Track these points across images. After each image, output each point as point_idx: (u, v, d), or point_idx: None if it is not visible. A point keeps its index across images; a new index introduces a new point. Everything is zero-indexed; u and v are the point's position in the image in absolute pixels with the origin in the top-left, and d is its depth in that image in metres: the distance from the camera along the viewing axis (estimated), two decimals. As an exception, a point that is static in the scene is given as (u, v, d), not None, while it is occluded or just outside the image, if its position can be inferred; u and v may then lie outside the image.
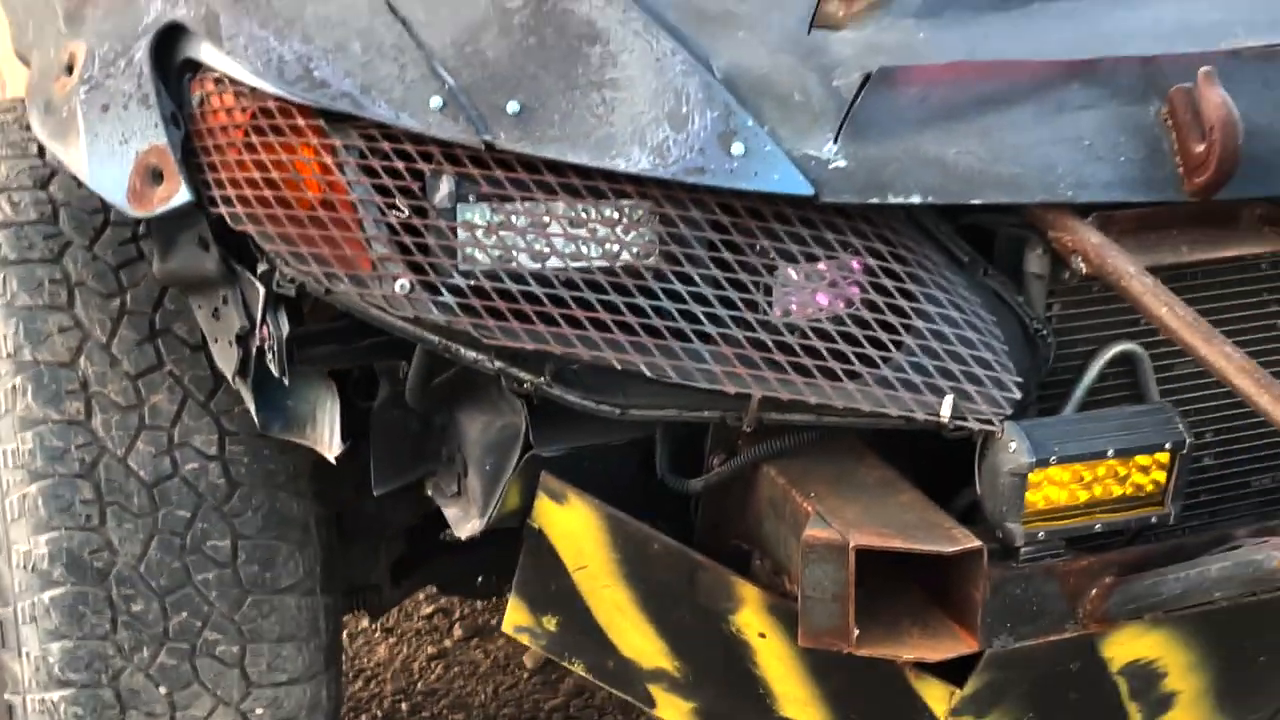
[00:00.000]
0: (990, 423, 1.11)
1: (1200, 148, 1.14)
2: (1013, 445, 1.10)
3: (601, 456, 1.28)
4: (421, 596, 2.33)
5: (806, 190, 1.12)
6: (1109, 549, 1.20)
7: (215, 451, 1.43)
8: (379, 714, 2.14)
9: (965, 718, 1.24)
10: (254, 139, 1.20)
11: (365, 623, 2.27)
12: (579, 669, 1.44)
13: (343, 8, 1.24)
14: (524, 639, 1.43)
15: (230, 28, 1.24)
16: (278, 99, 1.19)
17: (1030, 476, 1.10)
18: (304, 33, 1.21)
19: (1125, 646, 1.23)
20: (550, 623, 1.40)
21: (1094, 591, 1.16)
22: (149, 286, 1.44)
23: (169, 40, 1.26)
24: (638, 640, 1.35)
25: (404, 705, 2.14)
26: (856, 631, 1.10)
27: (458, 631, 2.31)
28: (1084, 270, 1.15)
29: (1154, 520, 1.17)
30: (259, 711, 1.46)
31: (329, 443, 1.31)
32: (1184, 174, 1.18)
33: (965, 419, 1.11)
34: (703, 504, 1.33)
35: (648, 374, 1.11)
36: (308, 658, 1.49)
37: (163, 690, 1.41)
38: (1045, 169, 1.17)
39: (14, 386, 1.39)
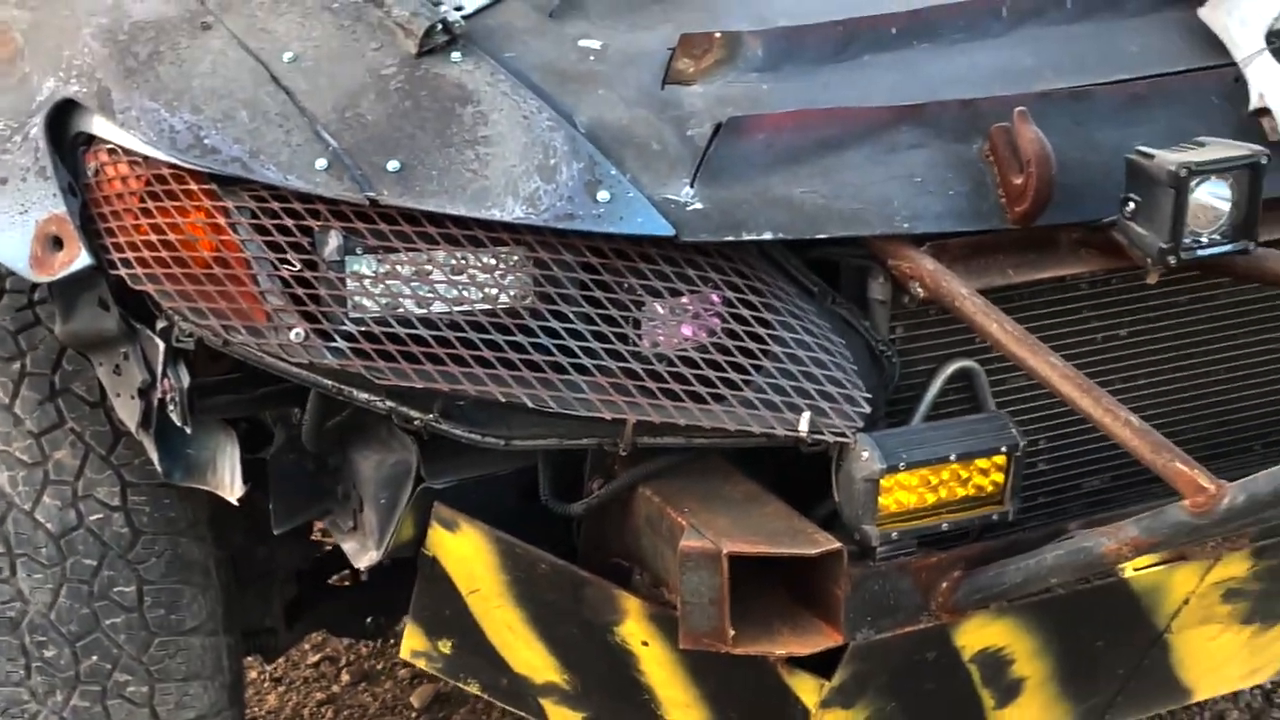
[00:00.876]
0: (844, 435, 1.18)
1: (1019, 180, 1.23)
2: (865, 454, 1.17)
3: (488, 486, 1.31)
4: (307, 645, 2.34)
5: (668, 231, 1.18)
6: (956, 546, 1.26)
7: (118, 502, 1.45)
8: None
9: (834, 709, 1.29)
10: (150, 204, 1.23)
11: (254, 674, 2.28)
12: (474, 688, 1.47)
13: (228, 80, 1.28)
14: (421, 663, 1.46)
15: (122, 101, 1.27)
16: (171, 166, 1.22)
17: (882, 482, 1.17)
18: (193, 104, 1.25)
19: (975, 635, 1.30)
20: (445, 646, 1.42)
21: (944, 585, 1.22)
22: (48, 349, 1.45)
23: (62, 115, 1.30)
24: (529, 656, 1.38)
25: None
26: (733, 632, 1.16)
27: (345, 677, 2.34)
28: (921, 294, 1.23)
29: (995, 518, 1.24)
30: None
31: (230, 486, 1.33)
32: (1006, 204, 1.26)
33: (821, 433, 1.18)
34: (584, 526, 1.36)
35: (530, 405, 1.15)
36: (214, 695, 1.52)
37: None
38: (882, 204, 1.24)
39: None
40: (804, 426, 1.18)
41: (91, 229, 1.26)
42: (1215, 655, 1.56)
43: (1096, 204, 1.30)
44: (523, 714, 1.48)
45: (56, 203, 1.26)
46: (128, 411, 1.31)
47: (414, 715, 2.24)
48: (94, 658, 1.43)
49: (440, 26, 1.26)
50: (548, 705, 1.43)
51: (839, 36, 1.37)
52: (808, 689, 1.26)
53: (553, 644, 1.37)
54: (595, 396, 1.17)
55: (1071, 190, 1.29)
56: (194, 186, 1.22)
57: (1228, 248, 1.25)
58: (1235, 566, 1.39)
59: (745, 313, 1.22)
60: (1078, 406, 1.16)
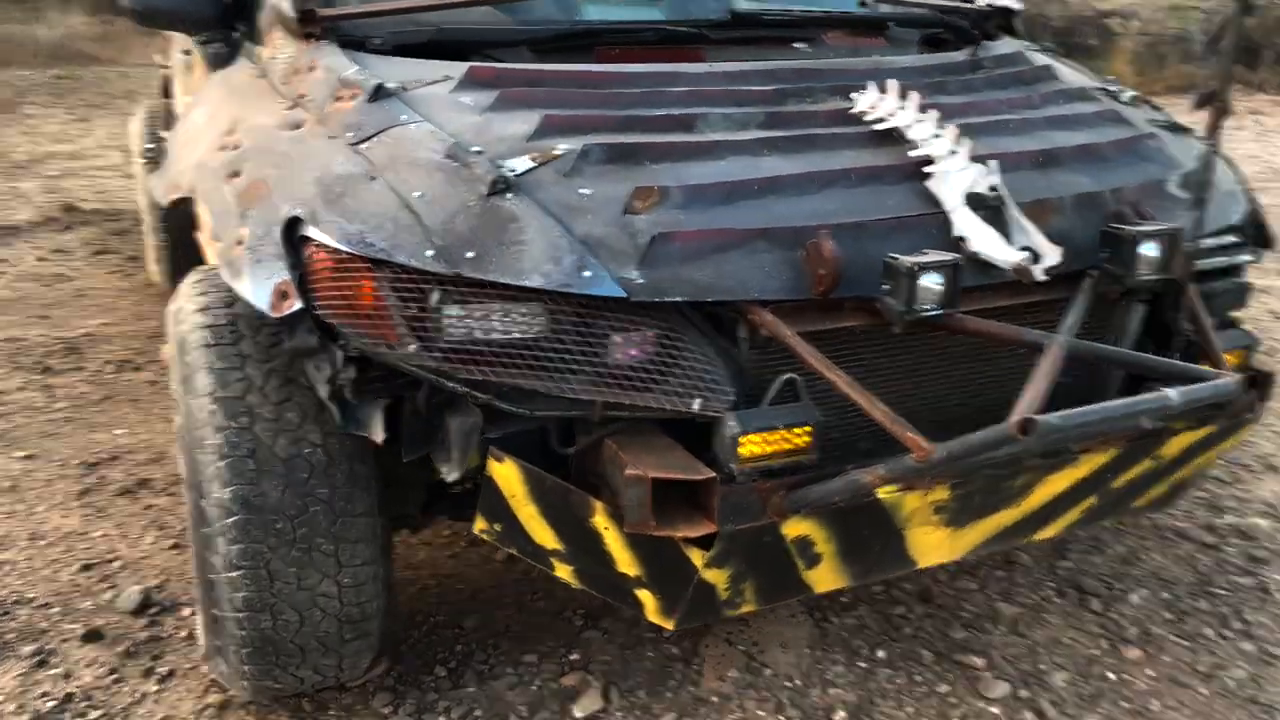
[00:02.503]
0: (718, 413, 1.99)
1: (822, 271, 2.02)
2: (730, 423, 1.97)
3: (522, 437, 2.09)
4: (446, 531, 3.35)
5: (622, 294, 1.95)
6: (782, 477, 2.03)
7: (320, 442, 2.17)
8: (429, 583, 3.12)
9: (712, 568, 2.07)
10: (335, 274, 1.99)
11: (409, 544, 3.28)
12: (513, 550, 2.25)
13: (382, 206, 2.03)
14: (486, 537, 2.24)
15: (323, 217, 2.04)
16: (348, 253, 1.99)
17: (740, 438, 1.96)
18: (361, 219, 2.01)
19: (793, 528, 2.07)
20: (498, 527, 2.20)
21: (775, 498, 2.01)
22: (284, 358, 2.15)
23: (292, 226, 2.05)
24: (544, 534, 2.16)
25: (434, 584, 3.13)
26: (654, 522, 1.95)
27: (462, 542, 3.33)
28: (764, 333, 2.02)
29: (805, 461, 2.03)
30: (345, 580, 2.27)
31: (377, 433, 2.08)
32: (815, 286, 2.03)
33: (707, 412, 1.99)
34: (575, 462, 2.14)
35: (541, 390, 1.94)
36: (372, 550, 2.28)
37: (293, 569, 2.21)
38: (744, 282, 2.02)
39: (210, 410, 2.17)
40: (696, 407, 1.99)
41: (304, 289, 1.98)
42: (930, 543, 2.33)
43: (867, 286, 2.07)
44: (542, 568, 2.26)
45: (285, 273, 2.01)
46: (324, 391, 2.05)
47: (501, 562, 3.21)
48: (304, 529, 2.17)
49: (501, 180, 2.05)
50: (555, 561, 2.23)
51: (727, 190, 2.15)
52: (697, 556, 2.05)
53: (556, 528, 2.15)
54: (576, 385, 1.96)
55: (853, 279, 2.06)
56: (359, 265, 1.98)
57: (940, 311, 2.05)
58: (941, 493, 2.15)
59: (668, 342, 2.02)
60: (849, 396, 1.94)
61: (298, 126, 2.40)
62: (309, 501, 2.20)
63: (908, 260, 2.00)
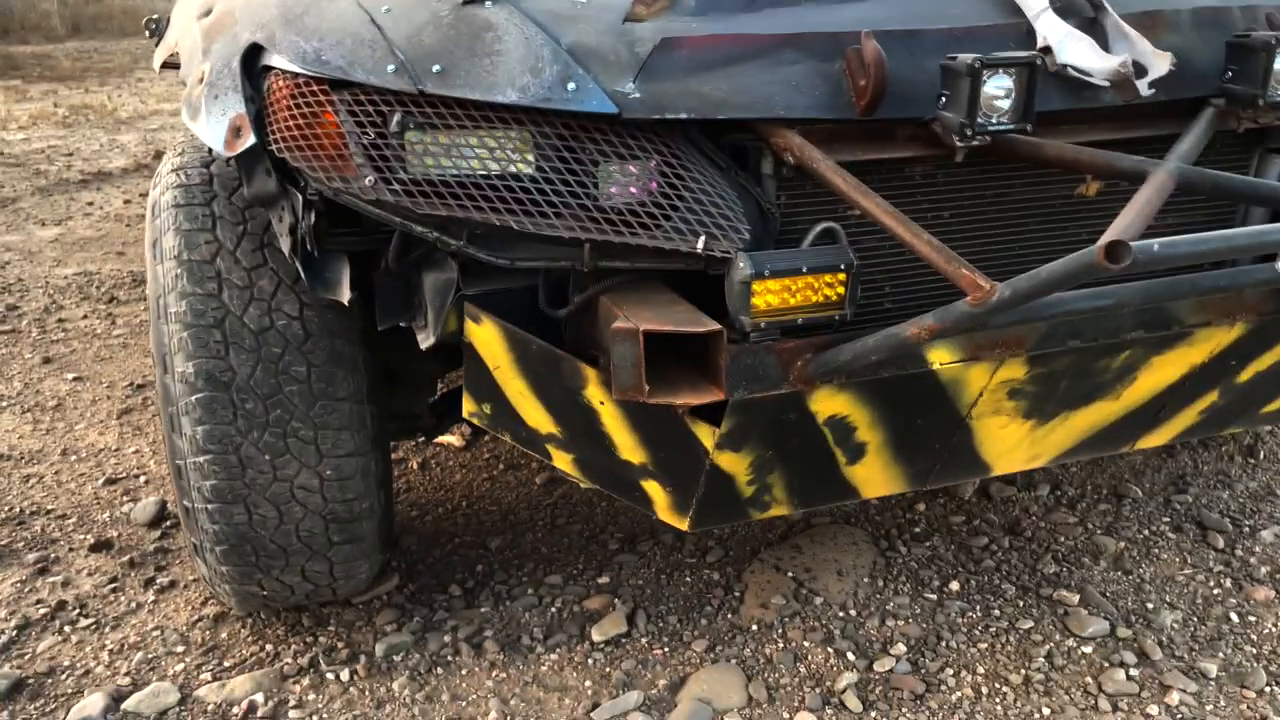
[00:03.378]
0: (728, 252, 1.62)
1: (863, 81, 1.65)
2: (741, 265, 1.59)
3: (506, 295, 1.77)
4: (486, 453, 3.10)
5: (613, 110, 1.61)
6: (812, 335, 1.66)
7: (297, 314, 1.94)
8: (460, 504, 2.85)
9: (726, 451, 1.72)
10: (291, 104, 1.69)
11: (450, 462, 3.04)
12: (507, 437, 1.93)
13: (344, 22, 1.74)
14: (475, 420, 1.92)
15: (281, 39, 1.75)
16: (303, 76, 1.69)
17: (753, 285, 1.58)
18: (319, 37, 1.73)
19: (824, 403, 1.71)
20: (487, 408, 1.88)
21: (799, 363, 1.64)
22: (259, 221, 1.94)
23: (253, 54, 1.79)
24: (536, 415, 1.84)
25: (464, 505, 2.86)
26: (647, 387, 1.59)
27: (500, 465, 3.07)
28: (791, 162, 1.65)
29: (837, 318, 1.64)
30: (328, 473, 2.01)
31: (344, 294, 1.80)
32: (855, 101, 1.67)
33: (713, 250, 1.62)
34: (567, 325, 1.80)
35: (515, 228, 1.60)
36: (359, 440, 2.02)
37: (267, 457, 1.96)
38: (766, 98, 1.65)
39: (175, 274, 1.95)
40: (700, 245, 1.63)
41: (260, 123, 1.71)
42: (1006, 440, 1.93)
43: (922, 106, 1.69)
44: (539, 457, 1.93)
45: (240, 106, 1.73)
46: (286, 245, 1.79)
47: (541, 486, 2.93)
48: (278, 411, 1.93)
49: None
50: (551, 449, 1.90)
51: None
52: (705, 434, 1.71)
53: (549, 406, 1.81)
54: (560, 224, 1.62)
55: (903, 97, 1.68)
56: (316, 89, 1.68)
57: (1010, 127, 1.65)
58: (1015, 370, 1.76)
59: (669, 172, 1.67)
60: (894, 232, 1.56)
61: None
62: (283, 380, 1.97)
63: (968, 58, 1.61)
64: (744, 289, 1.61)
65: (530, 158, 1.66)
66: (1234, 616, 2.36)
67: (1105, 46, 1.79)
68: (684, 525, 1.91)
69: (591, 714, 2.10)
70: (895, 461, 1.93)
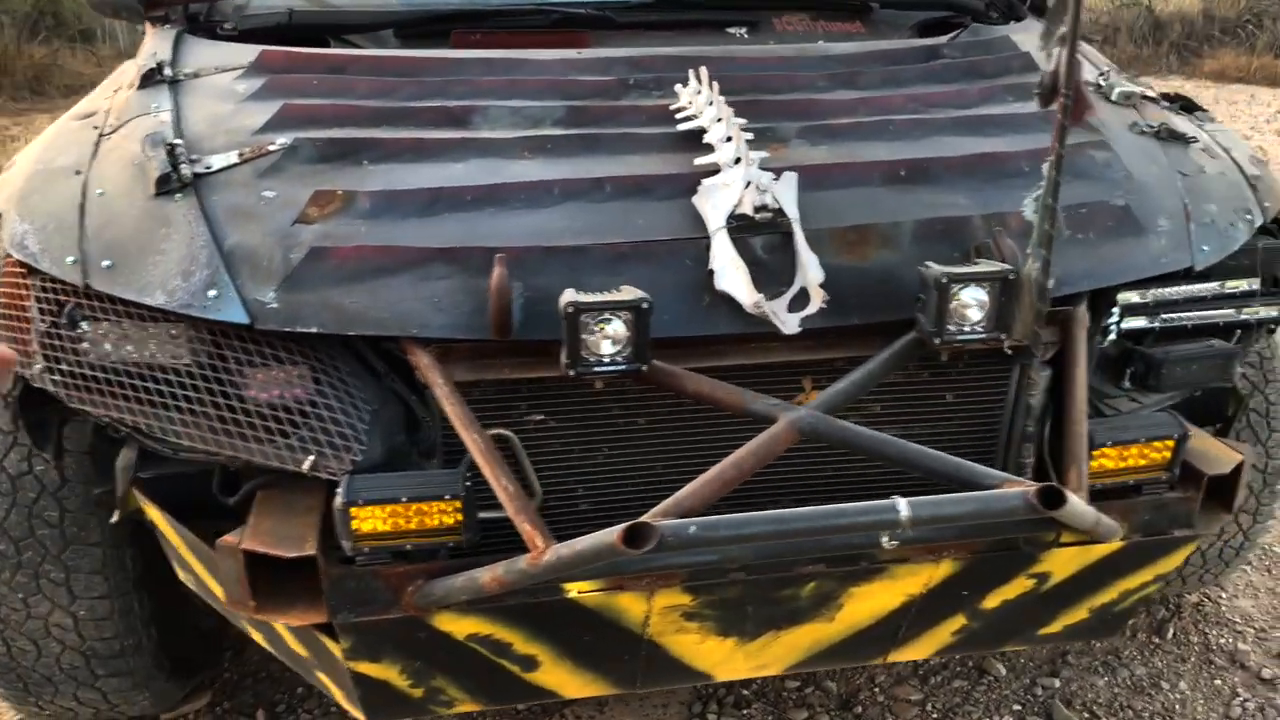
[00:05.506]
0: (334, 474, 1.61)
1: (492, 305, 1.59)
2: (339, 490, 1.58)
3: (181, 480, 1.77)
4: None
5: (245, 320, 1.62)
6: (428, 560, 1.61)
7: (55, 460, 1.92)
8: None
9: (362, 661, 1.69)
10: (2, 281, 1.76)
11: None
12: (190, 583, 1.88)
13: (58, 205, 1.78)
14: (189, 585, 1.88)
15: (9, 215, 1.79)
16: (12, 258, 1.75)
17: (352, 510, 1.56)
18: (33, 219, 1.77)
19: (456, 625, 1.65)
20: (188, 576, 1.86)
21: (410, 589, 1.61)
22: None
23: None
24: (200, 572, 1.80)
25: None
26: (253, 603, 1.61)
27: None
28: (423, 380, 1.63)
29: (452, 544, 1.60)
30: (81, 613, 2.05)
31: (50, 453, 1.84)
32: (493, 322, 1.60)
33: (319, 472, 1.61)
34: (239, 510, 1.74)
35: (156, 429, 1.63)
36: (116, 582, 2.06)
37: (20, 595, 2.01)
38: (402, 315, 1.62)
39: None
40: (306, 466, 1.62)
41: None
42: (714, 653, 1.83)
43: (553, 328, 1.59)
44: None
45: None
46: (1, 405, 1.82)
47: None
48: (29, 553, 1.99)
49: (171, 178, 1.76)
50: (245, 625, 1.88)
51: (428, 198, 1.75)
52: (334, 647, 1.69)
53: (207, 568, 1.76)
54: (193, 430, 1.63)
55: (539, 317, 1.62)
56: (16, 272, 1.75)
57: (622, 368, 1.57)
58: (677, 598, 1.68)
59: (310, 382, 1.66)
60: (482, 467, 1.53)
61: (90, 115, 2.21)
62: (36, 524, 2.02)
63: (566, 299, 1.54)
64: (343, 514, 1.58)
65: (185, 360, 1.68)
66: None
67: (790, 269, 1.68)
68: (363, 715, 1.88)
69: None
70: (583, 670, 1.85)
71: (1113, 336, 1.96)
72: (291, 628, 1.72)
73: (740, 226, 1.69)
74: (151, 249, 1.71)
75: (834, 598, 1.79)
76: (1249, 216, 2.00)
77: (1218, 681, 2.64)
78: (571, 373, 1.56)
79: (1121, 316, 1.96)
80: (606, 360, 1.56)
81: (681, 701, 2.53)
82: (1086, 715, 2.52)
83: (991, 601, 1.90)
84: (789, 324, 1.62)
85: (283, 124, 1.93)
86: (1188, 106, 2.37)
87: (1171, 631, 2.81)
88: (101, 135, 2.03)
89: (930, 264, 1.65)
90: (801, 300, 1.66)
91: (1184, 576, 2.64)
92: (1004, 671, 2.66)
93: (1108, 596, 1.96)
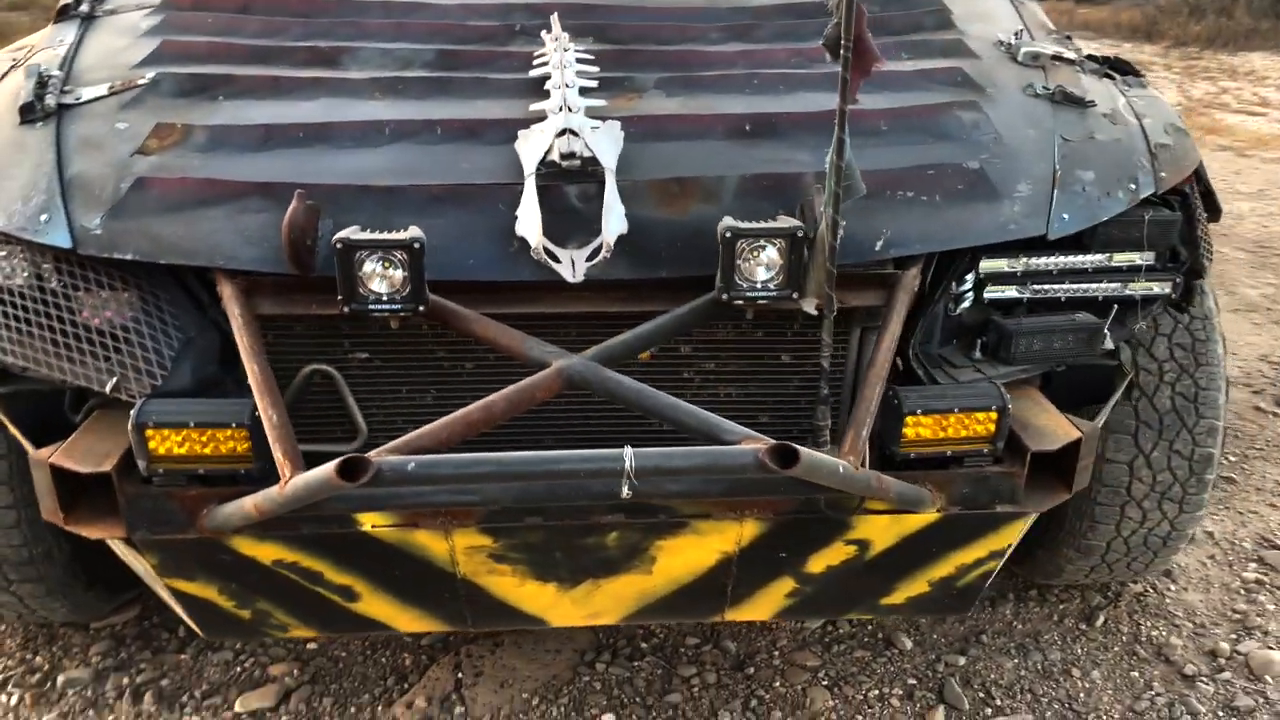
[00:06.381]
0: (134, 397, 1.67)
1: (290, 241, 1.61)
2: (133, 411, 1.62)
3: (38, 396, 1.85)
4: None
5: (68, 245, 1.69)
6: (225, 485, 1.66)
7: None
8: None
9: (176, 579, 1.76)
10: None
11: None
12: None
13: None
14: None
15: None
16: None
17: (147, 431, 1.62)
18: None
19: (259, 550, 1.71)
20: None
21: (204, 511, 1.66)
22: None
23: None
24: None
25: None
26: (62, 515, 1.69)
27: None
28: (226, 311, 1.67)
29: (244, 471, 1.65)
30: None
31: None
32: (287, 257, 1.63)
33: (121, 394, 1.67)
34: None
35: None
36: (20, 494, 2.08)
37: None
38: (213, 246, 1.68)
39: None
40: (109, 386, 1.69)
41: None
42: (539, 598, 1.85)
43: None
44: None
45: None
46: None
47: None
48: None
49: (35, 108, 1.85)
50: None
51: (261, 135, 1.79)
52: (142, 562, 1.77)
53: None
54: (22, 348, 1.71)
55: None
56: None
57: (396, 308, 1.58)
58: (478, 539, 1.71)
59: (130, 308, 1.72)
60: (257, 397, 1.57)
61: (22, 48, 2.32)
62: None
63: (340, 235, 1.56)
64: (137, 434, 1.64)
65: (18, 280, 1.76)
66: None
67: (597, 218, 1.67)
68: (200, 632, 1.96)
69: (171, 786, 2.19)
70: (408, 605, 1.89)
71: (967, 305, 1.89)
72: (119, 544, 1.79)
73: (554, 174, 1.68)
74: (5, 174, 1.80)
75: (643, 549, 1.79)
76: (1133, 186, 1.90)
77: (1135, 674, 2.54)
78: (346, 309, 1.58)
79: (983, 285, 1.89)
80: (384, 299, 1.57)
81: (576, 649, 2.56)
82: (981, 695, 2.46)
83: (816, 566, 1.87)
84: (576, 273, 1.61)
85: (158, 59, 1.99)
86: (1119, 69, 2.25)
87: (1102, 619, 2.72)
88: (13, 66, 2.13)
89: (727, 219, 1.62)
90: (615, 247, 1.64)
91: (1109, 564, 2.54)
92: (909, 645, 2.61)
93: (944, 570, 1.91)
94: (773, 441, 1.43)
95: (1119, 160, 1.93)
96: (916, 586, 1.95)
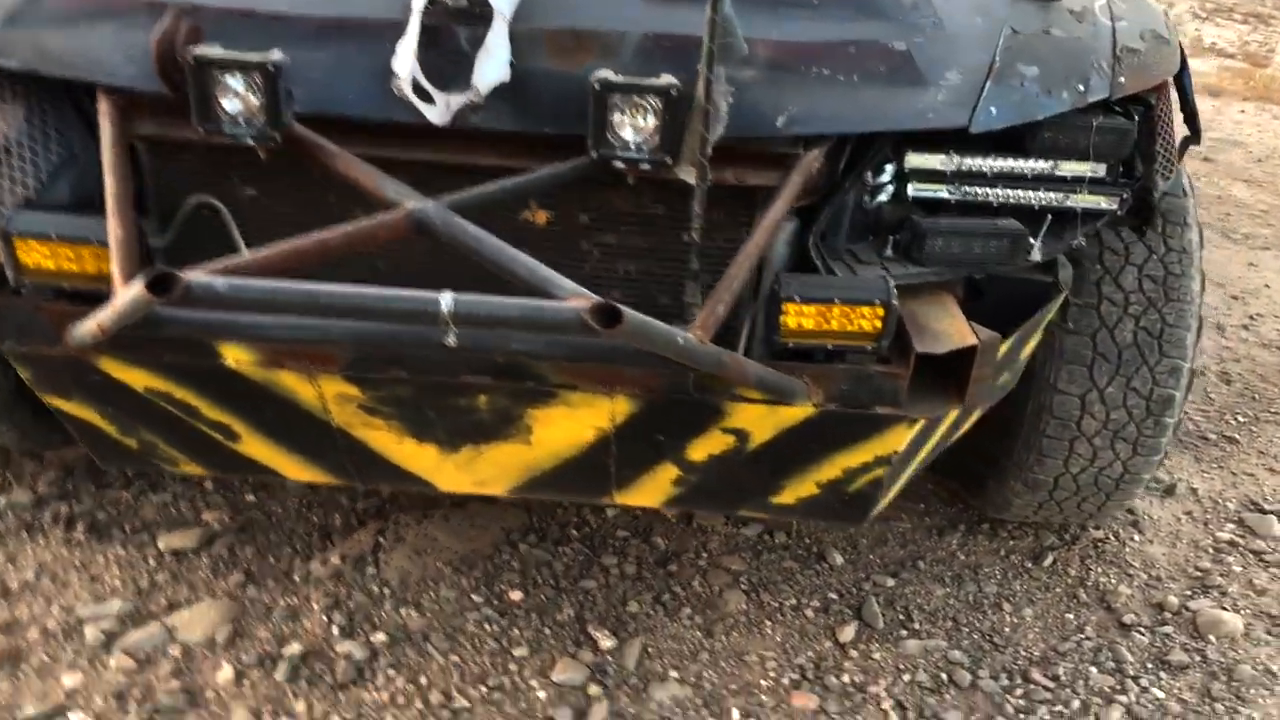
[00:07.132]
0: (4, 207, 1.64)
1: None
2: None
3: None
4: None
5: None
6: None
7: None
8: None
9: (50, 395, 1.78)
10: None
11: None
12: None
13: None
14: None
15: None
16: None
17: (15, 241, 1.60)
18: None
19: (128, 375, 1.70)
20: None
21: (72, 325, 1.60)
22: None
23: None
24: None
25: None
26: None
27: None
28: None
29: (106, 290, 1.56)
30: None
31: None
32: (157, 74, 1.57)
33: None
34: None
35: None
36: None
37: None
38: (94, 61, 1.65)
39: None
40: None
41: None
42: (421, 458, 1.83)
43: None
44: None
45: None
46: None
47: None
48: None
49: None
50: None
51: None
52: (21, 372, 1.79)
53: None
54: None
55: None
56: None
57: (253, 132, 1.54)
58: (344, 387, 1.68)
59: (17, 118, 1.71)
60: (109, 216, 1.55)
61: None
62: None
63: (196, 52, 1.52)
64: (5, 243, 1.63)
65: None
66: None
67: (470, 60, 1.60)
68: (97, 459, 1.98)
69: (79, 610, 2.25)
70: (288, 450, 1.89)
71: (885, 199, 1.79)
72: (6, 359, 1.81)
73: (442, 11, 1.62)
74: None
75: (516, 416, 1.75)
76: (1080, 88, 1.77)
77: (1070, 615, 2.45)
78: (200, 130, 1.55)
79: (906, 180, 1.79)
80: (240, 121, 1.53)
81: (503, 527, 2.55)
82: (901, 617, 2.40)
83: (697, 454, 1.82)
84: (437, 113, 1.56)
85: None
86: None
87: (1050, 560, 2.62)
88: None
89: (601, 70, 1.54)
90: (496, 96, 1.58)
91: (1058, 502, 2.44)
92: (840, 561, 2.55)
93: (830, 473, 1.84)
94: (597, 299, 1.37)
95: (1071, 59, 1.80)
96: (805, 487, 1.89)
